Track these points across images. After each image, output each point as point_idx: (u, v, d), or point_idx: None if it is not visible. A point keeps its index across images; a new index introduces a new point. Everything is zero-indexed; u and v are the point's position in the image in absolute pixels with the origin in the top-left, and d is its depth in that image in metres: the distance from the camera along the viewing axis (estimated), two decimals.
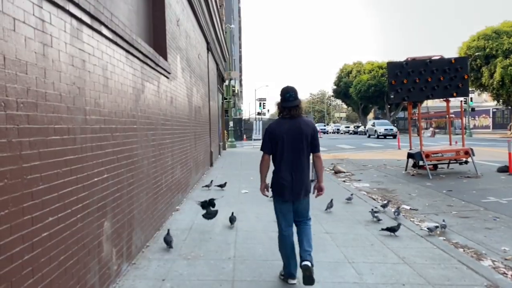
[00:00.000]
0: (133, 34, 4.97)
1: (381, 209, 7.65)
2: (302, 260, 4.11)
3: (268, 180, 4.51)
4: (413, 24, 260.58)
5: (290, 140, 4.23)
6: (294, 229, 4.41)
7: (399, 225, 6.13)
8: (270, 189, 4.50)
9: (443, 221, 6.58)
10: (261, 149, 4.43)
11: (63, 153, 3.15)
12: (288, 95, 4.26)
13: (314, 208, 7.83)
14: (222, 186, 10.15)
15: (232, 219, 6.61)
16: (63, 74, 3.17)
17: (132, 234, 4.89)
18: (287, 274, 4.35)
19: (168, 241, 5.38)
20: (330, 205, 7.68)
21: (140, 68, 5.42)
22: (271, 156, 4.37)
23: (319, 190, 4.45)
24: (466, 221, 7.21)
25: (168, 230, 5.64)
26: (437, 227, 6.38)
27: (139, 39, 5.21)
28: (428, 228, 6.25)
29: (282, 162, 4.27)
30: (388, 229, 6.05)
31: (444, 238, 6.15)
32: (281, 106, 4.31)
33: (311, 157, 4.37)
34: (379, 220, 6.84)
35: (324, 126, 68.65)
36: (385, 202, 8.08)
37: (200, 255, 5.16)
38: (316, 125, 48.97)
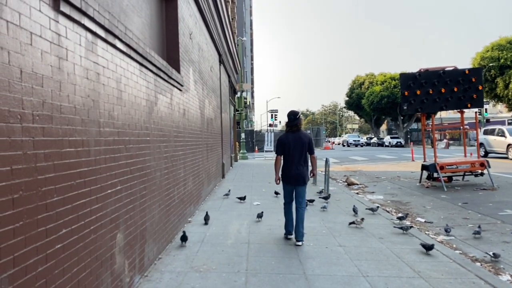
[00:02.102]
0: (147, 47, 5.03)
1: (398, 222, 7.58)
2: (296, 240, 6.25)
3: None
4: (426, 35, 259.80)
5: (293, 147, 6.34)
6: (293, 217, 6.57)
7: (432, 245, 5.78)
8: (280, 181, 6.57)
9: (495, 252, 5.82)
10: (275, 153, 6.57)
11: (77, 165, 3.18)
12: (293, 117, 6.42)
13: (330, 222, 7.76)
14: (242, 198, 10.06)
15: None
16: (78, 87, 3.22)
17: (144, 246, 4.89)
18: (286, 231, 6.60)
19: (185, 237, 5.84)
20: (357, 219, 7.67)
21: (153, 80, 5.47)
22: (281, 157, 6.50)
23: (313, 175, 6.88)
24: (483, 234, 7.06)
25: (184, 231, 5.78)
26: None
27: (152, 52, 5.27)
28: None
29: (289, 161, 6.37)
30: (423, 245, 5.79)
31: (461, 252, 6.03)
32: (287, 124, 6.54)
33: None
34: (405, 229, 6.87)
35: (359, 137, 64.03)
36: (402, 215, 7.95)
37: (212, 268, 5.14)
38: (349, 136, 59.43)
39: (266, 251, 5.85)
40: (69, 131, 3.06)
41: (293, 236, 6.48)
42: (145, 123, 5.03)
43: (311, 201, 9.68)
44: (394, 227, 7.08)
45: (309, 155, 6.48)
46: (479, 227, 6.99)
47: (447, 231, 6.99)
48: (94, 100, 3.51)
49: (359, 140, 61.10)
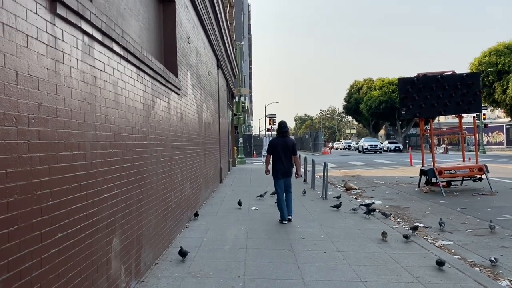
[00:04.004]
0: (144, 50, 5.03)
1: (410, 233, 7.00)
2: (283, 219, 8.13)
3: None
4: (424, 40, 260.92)
5: (281, 148, 8.31)
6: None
7: (444, 261, 5.36)
8: (269, 173, 8.70)
9: (495, 257, 5.75)
10: (266, 152, 8.62)
11: (73, 169, 3.16)
12: (283, 126, 8.54)
13: (328, 227, 7.74)
14: (238, 204, 9.99)
15: None
16: (74, 90, 3.21)
17: (141, 251, 4.86)
18: (282, 218, 8.19)
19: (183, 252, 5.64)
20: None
21: (150, 84, 5.46)
22: (271, 156, 8.45)
23: (297, 174, 8.61)
24: (482, 240, 7.06)
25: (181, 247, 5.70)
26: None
27: (149, 55, 5.27)
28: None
29: (277, 159, 8.35)
30: (438, 263, 5.32)
31: (460, 257, 6.02)
32: (278, 131, 8.59)
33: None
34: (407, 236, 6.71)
35: (377, 142, 52.90)
36: (415, 225, 7.42)
37: (209, 273, 5.11)
38: (365, 140, 52.96)
39: (263, 256, 5.83)
40: (65, 134, 3.05)
41: (286, 222, 8.15)
42: (142, 127, 5.02)
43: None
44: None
45: (293, 156, 8.48)
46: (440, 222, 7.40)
47: (441, 225, 7.57)
48: (90, 104, 3.50)
49: (377, 145, 50.74)
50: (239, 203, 10.00)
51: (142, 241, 4.92)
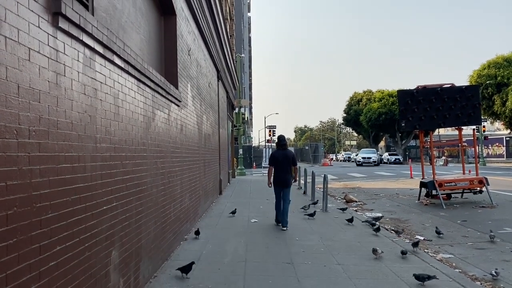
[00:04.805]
0: (145, 63, 5.07)
1: (411, 249, 6.87)
2: (282, 226, 8.76)
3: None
4: (423, 52, 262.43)
5: (281, 160, 9.02)
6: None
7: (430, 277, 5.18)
8: (272, 185, 9.27)
9: (496, 270, 5.67)
10: (268, 164, 9.46)
11: (73, 181, 3.16)
12: (282, 139, 9.34)
13: (328, 239, 7.71)
14: (233, 213, 10.07)
15: None
16: (75, 103, 3.22)
17: (140, 264, 4.84)
18: (276, 220, 9.20)
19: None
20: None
21: (151, 96, 5.49)
22: (273, 167, 9.12)
23: (294, 180, 9.32)
24: (483, 253, 7.03)
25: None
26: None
27: (150, 68, 5.30)
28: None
29: (278, 170, 9.04)
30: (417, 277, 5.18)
31: (460, 271, 5.99)
32: (277, 144, 9.41)
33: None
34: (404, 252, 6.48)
35: (371, 154, 48.69)
36: (416, 241, 7.17)
37: (208, 287, 5.07)
38: (362, 152, 49.88)
39: (263, 270, 5.80)
40: (66, 146, 3.06)
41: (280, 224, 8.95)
42: (142, 139, 5.03)
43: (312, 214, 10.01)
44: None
45: (292, 167, 9.21)
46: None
47: (438, 233, 7.91)
48: (91, 116, 3.51)
49: (370, 158, 47.10)
50: (233, 212, 10.34)
51: (141, 254, 4.90)
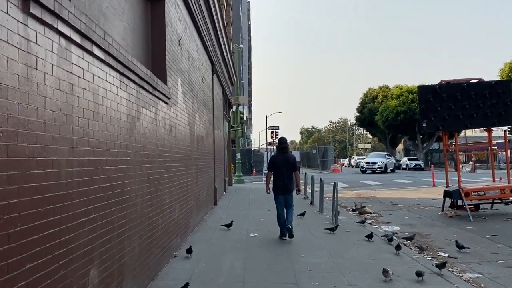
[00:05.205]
0: (129, 54, 5.08)
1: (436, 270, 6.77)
2: (287, 224, 9.21)
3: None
4: (448, 44, 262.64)
5: (282, 165, 9.41)
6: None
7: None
8: (270, 191, 9.81)
9: None
10: (267, 169, 9.90)
11: (46, 190, 3.16)
12: (283, 142, 9.79)
13: (339, 256, 7.71)
14: (228, 225, 10.07)
15: None
16: (49, 100, 3.23)
17: (122, 284, 4.83)
18: (281, 234, 9.29)
19: None
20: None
21: (135, 92, 5.50)
22: (272, 172, 9.57)
23: (298, 190, 9.87)
24: None
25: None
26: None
27: (135, 60, 5.31)
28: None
29: (278, 176, 9.42)
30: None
31: None
32: (278, 147, 9.87)
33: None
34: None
35: (377, 159, 47.00)
36: (442, 261, 7.10)
37: None
38: (370, 157, 48.71)
39: None
40: (37, 150, 3.06)
41: (286, 237, 9.17)
42: (125, 141, 5.04)
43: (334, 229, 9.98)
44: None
45: (293, 172, 9.60)
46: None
47: (459, 247, 8.02)
48: (67, 115, 3.52)
49: (375, 163, 45.85)
50: (228, 225, 10.32)
51: (124, 272, 4.90)
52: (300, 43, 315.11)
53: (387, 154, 51.59)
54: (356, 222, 11.51)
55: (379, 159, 47.49)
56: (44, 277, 3.11)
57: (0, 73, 2.65)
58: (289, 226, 9.17)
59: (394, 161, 52.40)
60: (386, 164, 46.39)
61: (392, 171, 47.36)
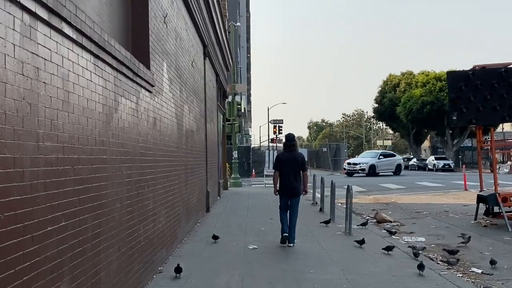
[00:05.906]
0: (105, 33, 5.07)
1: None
2: (288, 242, 9.78)
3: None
4: (483, 23, 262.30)
5: (289, 164, 10.06)
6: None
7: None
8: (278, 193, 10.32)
9: None
10: (273, 168, 10.62)
11: (6, 193, 3.15)
12: (290, 139, 10.42)
13: (352, 272, 7.71)
14: (215, 238, 10.03)
15: None
16: (9, 86, 3.21)
17: None
18: (282, 231, 9.95)
19: None
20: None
21: (113, 78, 5.48)
22: (278, 173, 10.16)
23: (305, 192, 10.55)
24: None
25: None
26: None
27: (112, 40, 5.30)
28: None
29: (284, 176, 10.06)
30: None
31: None
32: (285, 144, 10.61)
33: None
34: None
35: (374, 157, 46.73)
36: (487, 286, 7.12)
37: None
38: (363, 155, 48.97)
39: None
40: None
41: (286, 234, 9.84)
42: (101, 136, 5.03)
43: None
44: None
45: (301, 172, 10.19)
46: None
47: (492, 263, 8.13)
48: (31, 104, 3.50)
49: (356, 164, 45.69)
50: (214, 237, 10.22)
51: None
52: (309, 23, 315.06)
53: (385, 152, 50.86)
54: (383, 231, 11.50)
55: (366, 159, 46.47)
56: None
57: None
58: (286, 235, 9.83)
59: (401, 161, 50.30)
60: (374, 165, 45.02)
61: (395, 173, 46.06)
